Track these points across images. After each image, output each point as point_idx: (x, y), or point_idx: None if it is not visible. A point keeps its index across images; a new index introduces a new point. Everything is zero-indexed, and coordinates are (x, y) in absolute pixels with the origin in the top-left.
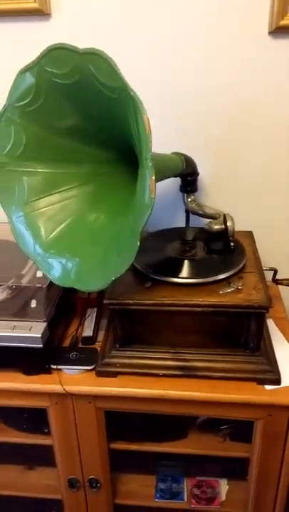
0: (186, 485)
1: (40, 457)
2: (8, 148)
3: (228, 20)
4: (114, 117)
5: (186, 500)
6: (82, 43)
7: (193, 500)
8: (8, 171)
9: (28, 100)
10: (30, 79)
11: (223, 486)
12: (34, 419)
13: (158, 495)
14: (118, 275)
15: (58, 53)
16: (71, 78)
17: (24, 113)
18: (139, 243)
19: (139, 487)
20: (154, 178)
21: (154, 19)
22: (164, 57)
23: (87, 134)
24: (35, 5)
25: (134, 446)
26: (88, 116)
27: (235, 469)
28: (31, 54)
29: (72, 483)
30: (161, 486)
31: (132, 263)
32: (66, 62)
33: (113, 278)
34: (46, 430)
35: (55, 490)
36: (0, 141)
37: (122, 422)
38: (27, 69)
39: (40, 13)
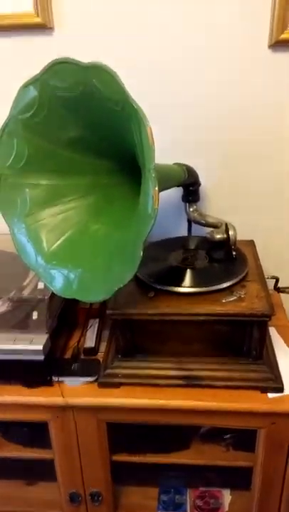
0: (189, 496)
1: (40, 472)
2: (10, 160)
3: (228, 33)
4: (116, 128)
5: (188, 511)
6: (84, 56)
7: None
8: (11, 183)
9: (31, 113)
10: (33, 92)
11: (226, 497)
12: (34, 432)
13: (161, 507)
14: (121, 285)
15: (61, 67)
16: (74, 91)
17: (27, 125)
18: (142, 253)
19: (141, 499)
20: (157, 189)
21: (154, 32)
22: (165, 68)
23: (88, 144)
24: (38, 19)
25: (137, 458)
26: (90, 127)
27: (238, 479)
28: (34, 67)
29: (73, 498)
30: (164, 497)
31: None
32: (69, 75)
33: (116, 289)
34: (47, 444)
35: (55, 505)
36: (2, 153)
37: (124, 433)
38: (30, 82)
39: (44, 27)
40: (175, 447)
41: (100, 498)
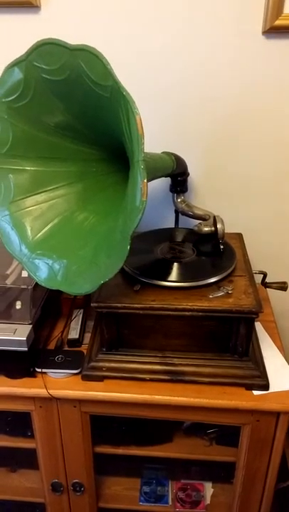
0: (171, 488)
1: (23, 460)
2: None
3: (221, 20)
4: (105, 116)
5: (170, 503)
6: (72, 37)
7: (178, 504)
8: None
9: (15, 96)
10: (18, 74)
11: (208, 490)
12: (17, 422)
13: (142, 498)
14: (107, 279)
15: (47, 48)
16: (61, 75)
17: (11, 109)
18: (129, 247)
19: (123, 490)
20: (146, 181)
21: (148, 18)
22: (156, 55)
23: (76, 131)
24: None
25: (120, 450)
26: (78, 113)
27: (220, 473)
28: (20, 47)
29: (55, 487)
30: (146, 489)
31: (121, 267)
32: (56, 58)
33: (102, 282)
34: (29, 433)
35: (38, 493)
36: None
37: (108, 425)
38: (15, 64)
39: (30, 5)
40: (158, 440)
41: (82, 489)
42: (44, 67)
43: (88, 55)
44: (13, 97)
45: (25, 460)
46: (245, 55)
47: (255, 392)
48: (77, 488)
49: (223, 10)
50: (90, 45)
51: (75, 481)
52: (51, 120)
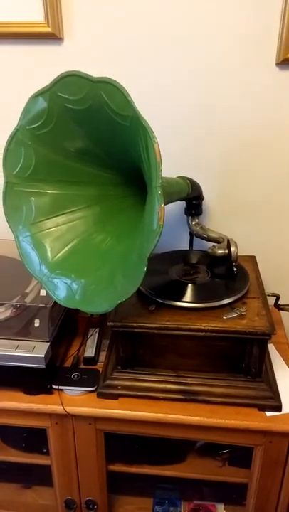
0: (183, 509)
1: (37, 477)
2: (17, 168)
3: (237, 50)
4: (123, 143)
5: None
6: (93, 67)
7: None
8: (17, 191)
9: (39, 123)
10: (42, 103)
11: (220, 511)
12: (33, 438)
13: None
14: (124, 299)
15: (70, 80)
16: (83, 104)
17: (35, 135)
18: (146, 269)
19: (136, 510)
20: (163, 205)
21: (162, 45)
22: (173, 86)
23: (96, 157)
24: (48, 29)
25: (133, 469)
26: (98, 140)
27: (232, 494)
28: (43, 77)
29: (68, 504)
30: (158, 509)
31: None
32: (79, 88)
33: (119, 301)
34: (45, 450)
35: (51, 510)
36: (10, 161)
37: (121, 444)
38: (40, 93)
39: (53, 37)
40: (171, 460)
41: (95, 507)
42: (67, 97)
43: (110, 86)
44: (36, 125)
45: (40, 477)
46: (260, 85)
47: (268, 413)
48: (91, 506)
49: (238, 43)
50: (111, 75)
51: (88, 498)
52: (72, 146)
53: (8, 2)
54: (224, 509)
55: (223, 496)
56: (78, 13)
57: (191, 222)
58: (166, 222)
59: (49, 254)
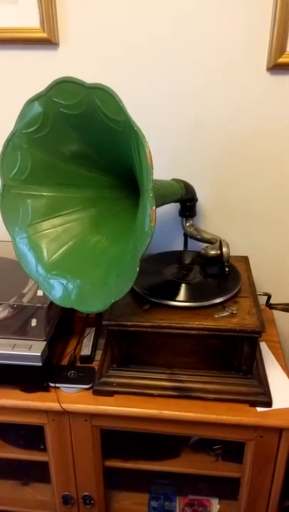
0: (179, 503)
1: (35, 473)
2: (14, 171)
3: (227, 56)
4: (117, 147)
5: None
6: (88, 72)
7: None
8: (14, 194)
9: (35, 128)
10: (38, 108)
11: (215, 505)
12: (31, 435)
13: None
14: (118, 298)
15: (65, 86)
16: (78, 109)
17: (31, 139)
18: (138, 269)
19: (132, 505)
20: (154, 208)
21: (156, 52)
22: (166, 88)
23: (91, 160)
24: (44, 35)
25: (129, 465)
26: (93, 144)
27: (226, 489)
28: (39, 82)
29: (66, 500)
30: (154, 504)
31: (131, 287)
32: (73, 94)
33: (113, 301)
34: (42, 447)
35: (49, 506)
36: (7, 165)
37: (117, 440)
38: (35, 98)
39: (49, 43)
40: (166, 455)
41: (92, 502)
42: (62, 102)
43: (103, 92)
44: (32, 129)
45: (37, 474)
46: (251, 90)
47: (259, 409)
48: (87, 501)
49: (228, 48)
50: (105, 81)
51: (85, 494)
52: (67, 150)
53: (3, 8)
54: (218, 504)
55: (217, 491)
56: (74, 18)
57: (185, 223)
58: (161, 224)
59: (45, 255)
